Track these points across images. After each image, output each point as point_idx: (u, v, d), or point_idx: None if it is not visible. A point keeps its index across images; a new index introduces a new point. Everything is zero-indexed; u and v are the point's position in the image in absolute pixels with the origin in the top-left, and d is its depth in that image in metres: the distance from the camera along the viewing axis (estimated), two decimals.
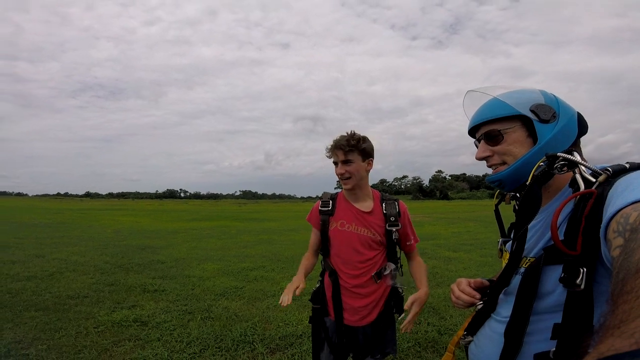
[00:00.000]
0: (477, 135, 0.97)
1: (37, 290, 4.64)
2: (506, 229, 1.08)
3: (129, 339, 3.17)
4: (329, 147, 1.78)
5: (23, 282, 5.06)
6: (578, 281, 0.66)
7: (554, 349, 0.71)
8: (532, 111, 0.86)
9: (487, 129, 0.92)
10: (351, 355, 1.87)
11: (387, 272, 1.75)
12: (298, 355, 2.89)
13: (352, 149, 1.70)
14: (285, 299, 1.55)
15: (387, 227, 1.74)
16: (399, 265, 1.84)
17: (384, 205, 1.79)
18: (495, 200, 1.09)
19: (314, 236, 1.89)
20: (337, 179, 1.80)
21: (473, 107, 1.00)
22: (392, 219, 1.75)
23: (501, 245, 1.05)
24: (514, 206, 1.05)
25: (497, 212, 1.10)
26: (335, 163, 1.76)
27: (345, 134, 1.74)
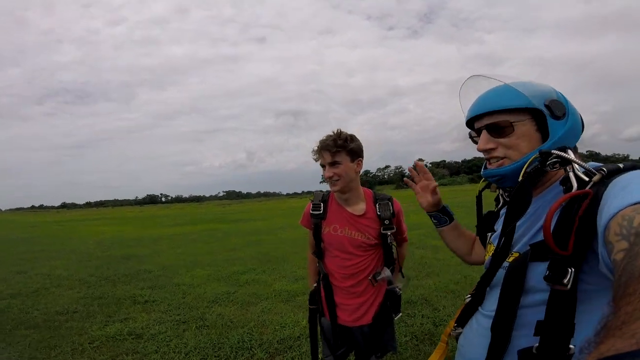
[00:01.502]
0: (478, 126, 0.91)
1: (24, 308, 4.52)
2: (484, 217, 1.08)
3: (127, 353, 3.13)
4: (315, 149, 1.70)
5: (7, 300, 4.91)
6: (565, 281, 0.67)
7: (537, 344, 0.72)
8: (546, 106, 0.82)
9: (494, 120, 0.86)
10: (353, 354, 1.91)
11: (380, 277, 1.73)
12: (298, 358, 2.92)
13: (339, 150, 1.62)
14: None
15: (382, 231, 1.71)
16: (398, 266, 1.85)
17: (377, 206, 1.73)
18: (480, 186, 1.06)
19: (310, 237, 1.86)
20: (323, 175, 1.73)
21: (468, 95, 0.95)
22: (387, 222, 1.71)
23: (489, 238, 1.03)
24: (497, 195, 1.04)
25: (479, 198, 1.08)
26: (323, 165, 1.69)
27: (332, 134, 1.67)
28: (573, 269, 0.67)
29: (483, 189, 1.05)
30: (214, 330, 3.59)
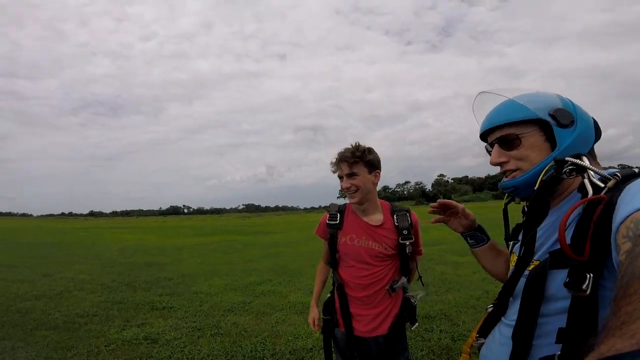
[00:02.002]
0: (490, 139, 0.93)
1: (47, 310, 4.66)
2: (511, 229, 1.06)
3: (140, 357, 3.17)
4: (334, 161, 1.73)
5: (32, 301, 5.08)
6: (584, 287, 0.66)
7: (559, 352, 0.71)
8: (551, 115, 0.84)
9: (503, 133, 0.89)
10: None
11: (397, 285, 1.71)
12: None
13: (357, 161, 1.65)
14: (316, 328, 1.87)
15: (400, 241, 1.70)
16: (417, 276, 1.83)
17: (395, 217, 1.74)
18: (505, 200, 1.06)
19: (325, 247, 1.87)
20: (340, 189, 1.75)
21: (483, 109, 0.97)
22: (405, 232, 1.70)
23: (511, 247, 1.02)
24: (523, 207, 1.03)
25: (505, 211, 1.08)
26: (340, 177, 1.70)
27: (350, 146, 1.70)
28: (591, 275, 0.66)
29: (508, 202, 1.05)
30: (228, 338, 3.58)
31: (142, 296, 5.39)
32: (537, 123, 0.85)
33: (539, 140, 0.85)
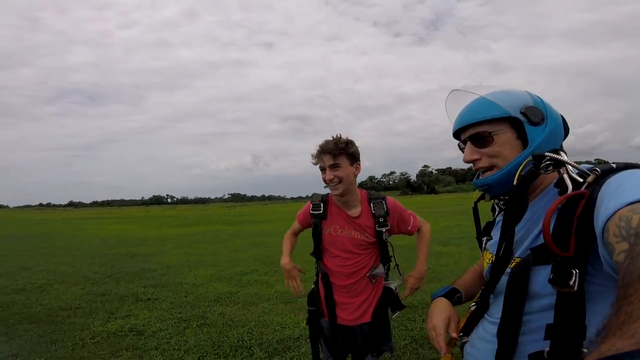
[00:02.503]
0: (463, 137, 0.93)
1: (28, 303, 4.57)
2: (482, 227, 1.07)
3: (127, 349, 3.16)
4: (315, 153, 1.74)
5: (12, 295, 4.98)
6: (571, 283, 0.66)
7: (548, 348, 0.72)
8: (522, 113, 0.84)
9: (475, 131, 0.88)
10: (350, 355, 1.91)
11: (375, 272, 1.78)
12: (296, 358, 2.92)
13: (341, 152, 1.67)
14: (298, 289, 1.86)
15: (377, 228, 1.76)
16: (394, 263, 1.88)
17: (372, 205, 1.79)
18: (475, 197, 1.06)
19: (296, 225, 1.97)
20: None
21: (456, 107, 0.96)
22: (381, 219, 1.76)
23: (484, 244, 1.03)
24: (493, 205, 1.05)
25: (475, 209, 1.08)
26: (322, 169, 1.72)
27: (331, 138, 1.71)
28: (577, 270, 0.67)
29: (478, 200, 1.06)
30: (215, 329, 3.60)
31: (126, 288, 5.34)
32: (509, 121, 0.85)
33: (511, 138, 0.85)
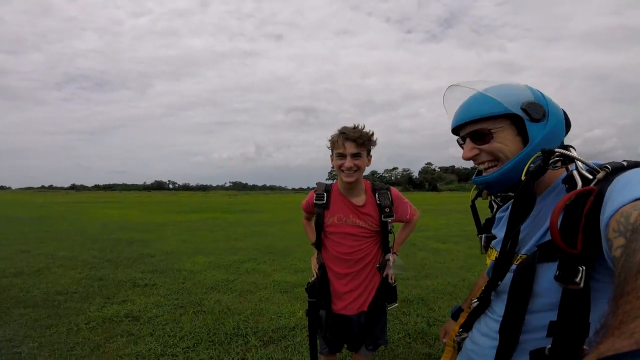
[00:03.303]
0: (462, 134, 0.91)
1: (25, 287, 4.58)
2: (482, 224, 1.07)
3: (122, 334, 3.16)
4: (334, 137, 1.72)
5: (10, 278, 4.99)
6: (577, 280, 0.66)
7: (550, 346, 0.71)
8: (523, 109, 0.82)
9: (474, 128, 0.87)
10: (345, 346, 1.92)
11: (388, 261, 1.82)
12: (291, 347, 2.93)
13: (364, 142, 1.68)
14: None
15: (383, 219, 1.78)
16: (393, 253, 1.88)
17: (377, 195, 1.80)
18: (472, 195, 1.06)
19: (305, 214, 2.06)
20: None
21: (454, 103, 0.94)
22: (387, 210, 1.78)
23: (485, 241, 1.02)
24: (490, 202, 1.05)
25: (473, 207, 1.08)
26: (342, 155, 1.69)
27: (354, 126, 1.70)
28: (584, 267, 0.66)
29: (475, 198, 1.05)
30: (211, 316, 3.61)
31: (124, 273, 5.35)
32: (509, 117, 0.83)
33: (511, 134, 0.84)
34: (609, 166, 0.69)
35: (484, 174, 0.90)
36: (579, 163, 0.73)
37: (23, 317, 3.55)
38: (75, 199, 45.59)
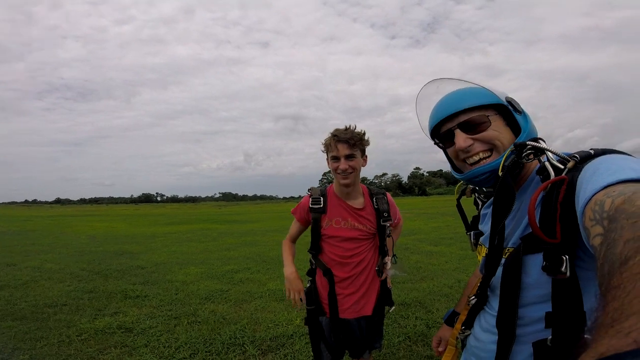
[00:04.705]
0: (449, 126, 0.89)
1: (12, 300, 4.44)
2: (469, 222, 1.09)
3: (115, 346, 3.07)
4: (327, 140, 1.71)
5: None
6: (563, 269, 0.67)
7: (551, 336, 0.72)
8: (508, 102, 0.85)
9: (467, 117, 0.86)
10: (347, 352, 1.88)
11: (386, 264, 1.80)
12: (290, 356, 2.88)
13: (357, 144, 1.67)
14: (299, 304, 1.75)
15: (381, 223, 1.78)
16: (392, 255, 1.88)
17: (374, 200, 1.81)
18: (456, 195, 1.09)
19: (295, 227, 1.92)
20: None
21: (429, 101, 0.94)
22: (385, 214, 1.78)
23: (474, 238, 1.03)
24: (475, 199, 1.07)
25: (459, 206, 1.10)
26: (334, 157, 1.69)
27: (346, 128, 1.70)
28: (567, 256, 0.68)
29: (459, 197, 1.07)
30: (206, 326, 3.54)
31: (114, 285, 5.22)
32: (496, 109, 0.86)
33: (502, 124, 0.86)
34: (577, 155, 0.71)
35: (480, 164, 0.86)
36: (550, 154, 0.75)
37: (11, 329, 3.44)
38: (61, 212, 44.59)
